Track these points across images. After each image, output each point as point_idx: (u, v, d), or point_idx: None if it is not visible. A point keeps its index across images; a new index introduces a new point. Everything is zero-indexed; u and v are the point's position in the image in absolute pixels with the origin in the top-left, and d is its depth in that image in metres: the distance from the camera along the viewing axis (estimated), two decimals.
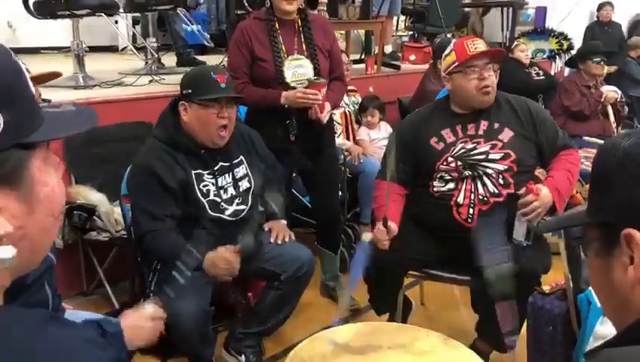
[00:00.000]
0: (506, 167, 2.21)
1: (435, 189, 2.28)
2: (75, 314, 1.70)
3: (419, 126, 2.37)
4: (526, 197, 2.14)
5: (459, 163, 2.23)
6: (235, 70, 2.60)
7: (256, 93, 2.56)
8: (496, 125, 2.28)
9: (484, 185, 2.21)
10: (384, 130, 3.96)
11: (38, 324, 0.61)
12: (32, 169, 0.68)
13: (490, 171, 2.21)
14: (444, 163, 2.25)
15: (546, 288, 2.03)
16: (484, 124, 2.29)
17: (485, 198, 2.20)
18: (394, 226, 2.17)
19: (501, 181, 2.21)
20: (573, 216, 0.94)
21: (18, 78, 0.68)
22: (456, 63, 2.27)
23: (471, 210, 2.21)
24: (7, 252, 0.64)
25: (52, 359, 0.60)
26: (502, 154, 2.23)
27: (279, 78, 2.58)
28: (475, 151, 2.24)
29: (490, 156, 2.23)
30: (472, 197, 2.21)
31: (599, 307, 1.75)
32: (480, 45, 2.27)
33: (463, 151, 2.25)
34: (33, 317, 0.62)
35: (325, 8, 4.35)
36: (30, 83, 0.70)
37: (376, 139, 3.91)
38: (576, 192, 3.36)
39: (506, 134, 2.26)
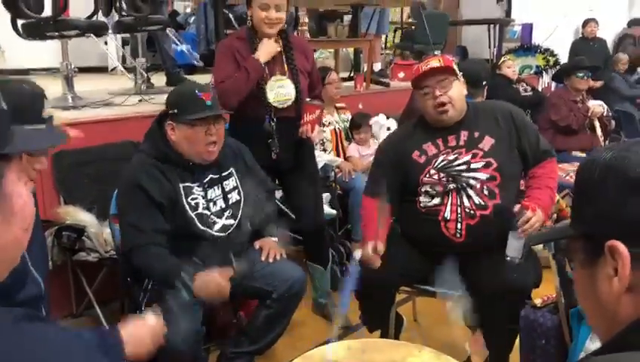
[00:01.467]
0: (488, 175, 2.21)
1: (421, 204, 2.28)
2: None
3: (402, 141, 2.38)
4: (525, 214, 2.13)
5: (442, 175, 2.23)
6: (228, 77, 2.60)
7: (235, 80, 2.55)
8: (476, 134, 2.27)
9: (469, 197, 2.21)
10: (373, 147, 3.97)
11: (12, 323, 0.60)
12: (8, 180, 0.69)
13: (473, 182, 2.21)
14: (427, 175, 2.25)
15: (537, 301, 2.03)
16: (464, 134, 2.28)
17: (472, 211, 2.20)
18: (381, 247, 2.18)
19: (486, 192, 2.21)
20: (559, 229, 0.95)
21: None
22: (414, 85, 2.30)
23: (459, 225, 2.21)
24: None
25: (28, 356, 0.58)
26: (483, 163, 2.22)
27: (262, 97, 2.61)
28: (456, 162, 2.24)
29: (472, 166, 2.23)
30: (459, 211, 2.21)
31: None
32: (432, 62, 2.24)
33: (445, 162, 2.25)
34: (6, 316, 0.60)
35: (307, 28, 4.39)
36: (2, 99, 0.72)
37: (366, 155, 3.92)
38: (566, 206, 3.38)
39: (487, 142, 2.26)
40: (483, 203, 2.20)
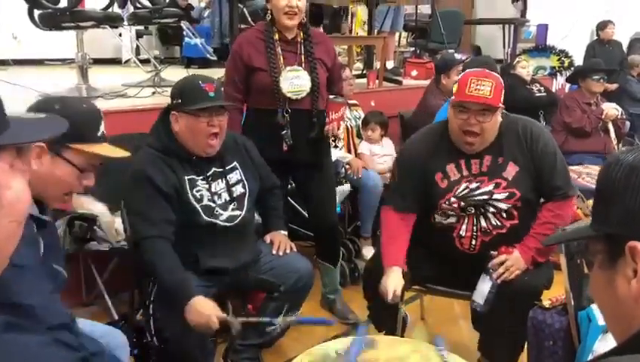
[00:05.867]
0: (510, 205, 2.15)
1: (436, 220, 2.25)
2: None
3: (425, 156, 2.24)
4: (497, 257, 2.14)
5: (462, 203, 2.17)
6: (228, 81, 2.63)
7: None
8: (500, 160, 2.16)
9: (486, 219, 2.18)
10: (386, 146, 3.97)
11: None
12: None
13: (492, 209, 2.17)
14: (447, 202, 2.18)
15: (546, 303, 2.02)
16: (487, 159, 2.17)
17: (488, 230, 2.18)
18: (400, 288, 2.13)
19: (504, 215, 2.17)
20: (576, 230, 0.94)
21: None
22: (453, 98, 2.17)
23: (473, 241, 2.20)
24: None
25: None
26: (506, 194, 2.14)
27: (275, 88, 2.60)
28: (478, 191, 2.16)
29: (495, 196, 2.15)
30: (475, 230, 2.19)
31: (599, 324, 1.75)
32: (483, 88, 2.05)
33: (466, 191, 2.17)
34: None
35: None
36: None
37: (377, 154, 3.92)
38: (577, 208, 3.36)
39: (511, 170, 2.15)
40: (500, 224, 2.18)
